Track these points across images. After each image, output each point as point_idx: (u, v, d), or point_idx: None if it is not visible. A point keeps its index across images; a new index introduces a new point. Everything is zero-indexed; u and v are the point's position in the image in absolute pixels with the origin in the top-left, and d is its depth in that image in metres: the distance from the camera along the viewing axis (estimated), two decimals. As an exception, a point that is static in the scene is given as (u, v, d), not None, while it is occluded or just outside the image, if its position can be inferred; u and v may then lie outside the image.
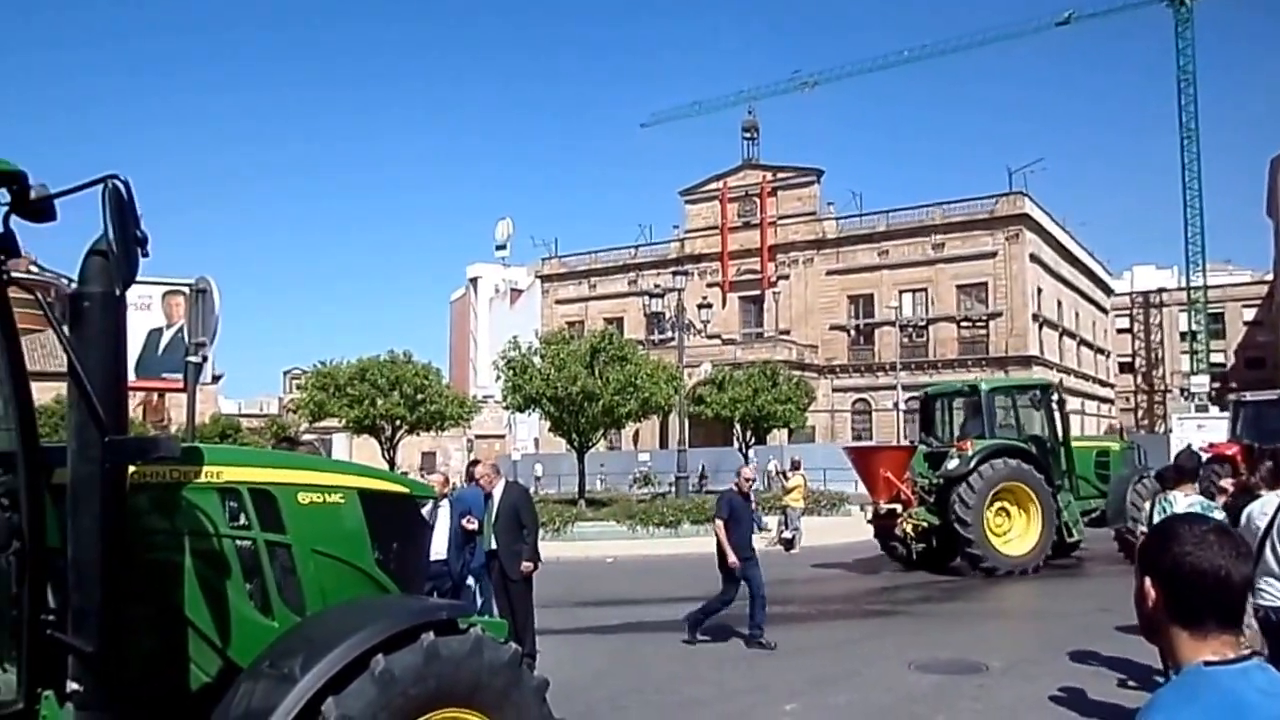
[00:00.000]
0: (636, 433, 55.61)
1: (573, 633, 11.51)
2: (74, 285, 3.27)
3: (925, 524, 16.42)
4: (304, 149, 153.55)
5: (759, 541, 21.68)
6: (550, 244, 75.80)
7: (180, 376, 9.50)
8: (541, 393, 29.86)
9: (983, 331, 59.61)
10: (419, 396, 34.10)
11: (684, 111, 75.96)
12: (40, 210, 3.22)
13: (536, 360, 31.01)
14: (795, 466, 23.03)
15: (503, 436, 66.39)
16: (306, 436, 37.41)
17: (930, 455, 17.42)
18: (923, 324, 60.99)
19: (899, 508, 16.54)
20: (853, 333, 63.61)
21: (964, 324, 60.18)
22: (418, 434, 37.72)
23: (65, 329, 3.26)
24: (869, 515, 18.43)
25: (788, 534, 21.13)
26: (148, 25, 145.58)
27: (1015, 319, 58.43)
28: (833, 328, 63.49)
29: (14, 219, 3.25)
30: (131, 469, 3.42)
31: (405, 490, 4.92)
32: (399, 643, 3.67)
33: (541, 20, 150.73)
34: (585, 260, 73.97)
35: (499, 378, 32.34)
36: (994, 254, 58.85)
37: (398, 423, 34.55)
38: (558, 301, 73.90)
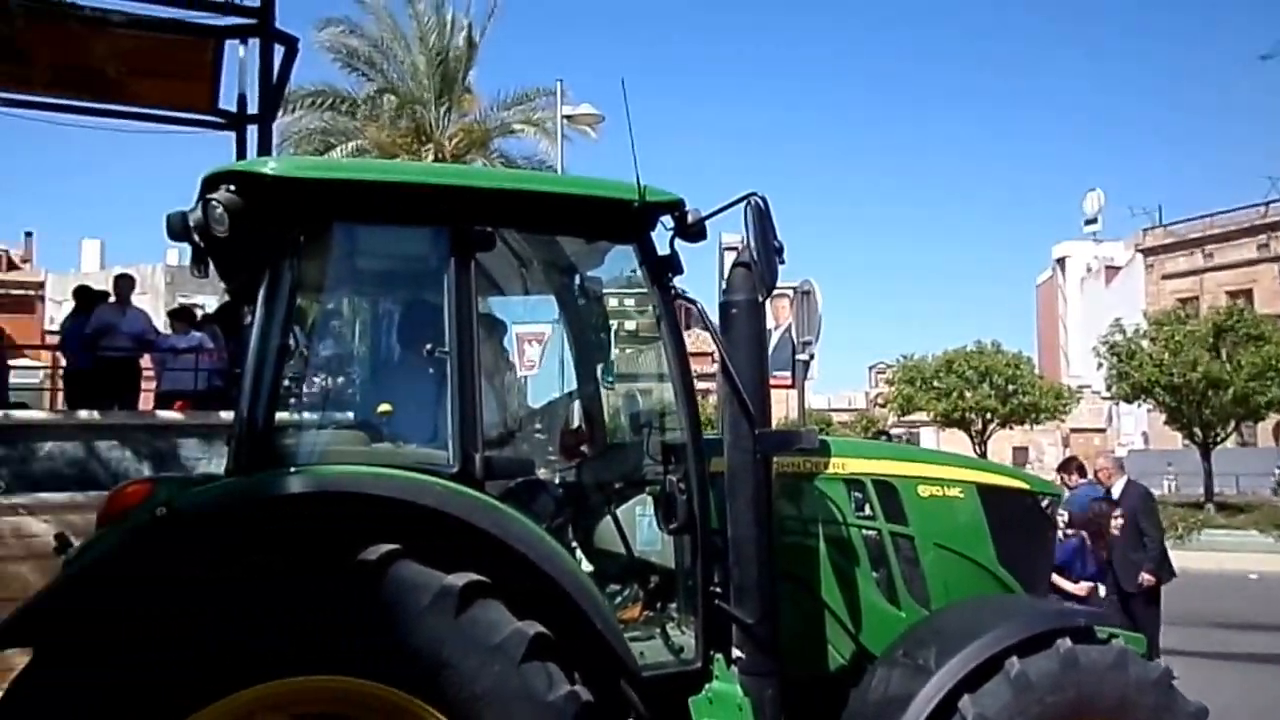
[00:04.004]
0: (1277, 425, 47.20)
1: (1205, 657, 10.05)
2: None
3: None
4: (878, 139, 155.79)
5: None
6: (1152, 212, 67.56)
7: (788, 374, 10.36)
8: (1153, 381, 26.79)
9: None
10: (1010, 388, 32.79)
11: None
12: (697, 232, 3.69)
13: (1145, 344, 27.94)
14: None
15: (1102, 431, 60.97)
16: (895, 431, 38.16)
17: None
18: None
19: None
20: None
21: None
22: (1009, 428, 36.32)
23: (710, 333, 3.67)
24: None
25: None
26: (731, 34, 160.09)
27: None
28: None
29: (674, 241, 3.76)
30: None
31: (1026, 486, 4.73)
32: (1033, 646, 3.57)
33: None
34: (1197, 226, 64.62)
35: (1100, 365, 29.74)
36: None
37: (988, 416, 33.58)
38: (1164, 276, 65.62)
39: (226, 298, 11.16)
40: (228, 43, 11.13)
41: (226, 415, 9.31)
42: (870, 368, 76.73)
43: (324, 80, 21.85)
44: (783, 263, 3.51)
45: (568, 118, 16.83)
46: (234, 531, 2.96)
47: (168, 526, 2.98)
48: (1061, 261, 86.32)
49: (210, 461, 9.08)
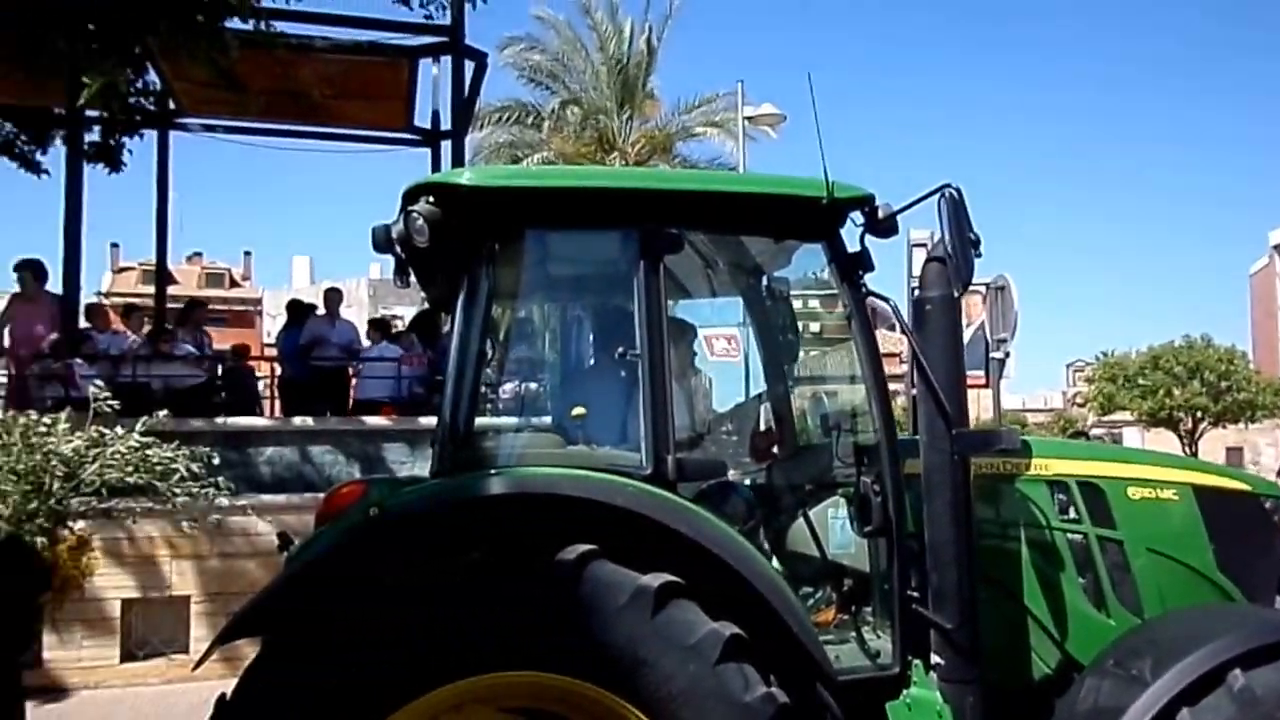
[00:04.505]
0: None
1: None
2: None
3: None
4: (1080, 123, 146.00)
5: None
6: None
7: (981, 373, 9.93)
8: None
9: None
10: (1223, 384, 30.36)
11: None
12: (888, 227, 3.60)
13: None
14: None
15: (1325, 429, 55.31)
16: (1095, 431, 35.98)
17: None
18: None
19: None
20: None
21: None
22: (1223, 427, 33.61)
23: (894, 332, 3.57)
24: None
25: None
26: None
27: None
28: None
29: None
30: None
31: (1247, 487, 4.38)
32: (1259, 658, 3.29)
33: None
34: None
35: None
36: None
37: (1198, 414, 31.22)
38: (1402, 259, 59.01)
39: (427, 307, 11.76)
40: (421, 61, 11.72)
41: (426, 420, 9.86)
42: (1068, 366, 72.85)
43: (509, 96, 22.87)
44: (979, 256, 3.38)
45: (749, 118, 16.82)
46: (439, 531, 3.11)
47: (379, 526, 3.17)
48: (1278, 249, 79.03)
49: (414, 464, 9.59)
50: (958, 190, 3.35)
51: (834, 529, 3.87)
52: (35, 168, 12.18)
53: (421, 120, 12.99)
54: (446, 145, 12.33)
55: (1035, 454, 3.99)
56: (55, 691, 7.48)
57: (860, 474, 3.65)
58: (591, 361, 4.21)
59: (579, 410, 3.69)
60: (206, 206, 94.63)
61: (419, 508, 3.28)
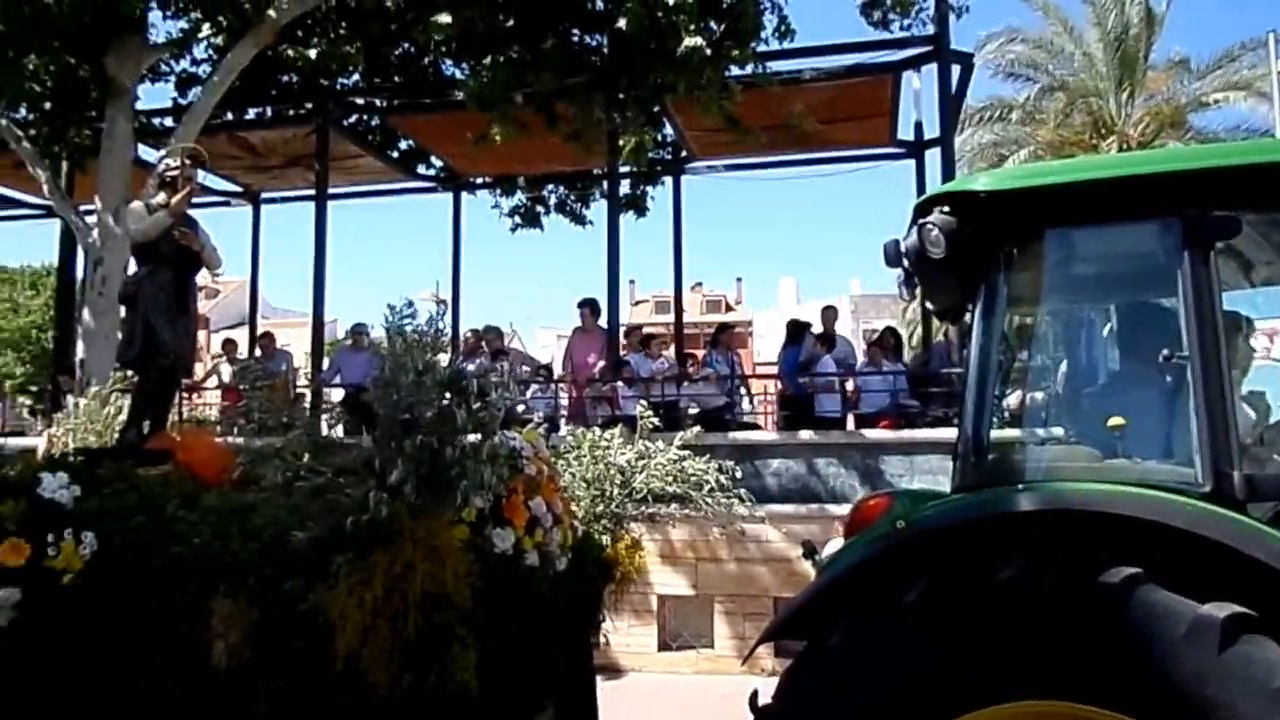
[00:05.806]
0: None
1: None
2: None
3: None
4: None
5: None
6: None
7: None
8: None
9: None
10: None
11: None
12: None
13: None
14: None
15: None
16: None
17: None
18: None
19: None
20: None
21: None
22: None
23: None
24: None
25: None
26: None
27: None
28: None
29: None
30: None
31: None
32: None
33: None
34: None
35: None
36: None
37: None
38: None
39: (892, 323, 11.46)
40: (903, 74, 11.69)
41: (912, 434, 9.83)
42: None
43: (987, 96, 21.99)
44: None
45: (1286, 71, 14.25)
46: (967, 548, 3.01)
47: (906, 541, 3.17)
48: None
49: (911, 477, 9.52)
50: None
51: None
52: (581, 221, 14.74)
53: (904, 132, 12.96)
54: (929, 154, 12.14)
55: None
56: (611, 670, 8.55)
57: None
58: (1126, 367, 3.83)
59: (1117, 420, 3.37)
60: (701, 239, 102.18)
61: (947, 522, 3.22)
